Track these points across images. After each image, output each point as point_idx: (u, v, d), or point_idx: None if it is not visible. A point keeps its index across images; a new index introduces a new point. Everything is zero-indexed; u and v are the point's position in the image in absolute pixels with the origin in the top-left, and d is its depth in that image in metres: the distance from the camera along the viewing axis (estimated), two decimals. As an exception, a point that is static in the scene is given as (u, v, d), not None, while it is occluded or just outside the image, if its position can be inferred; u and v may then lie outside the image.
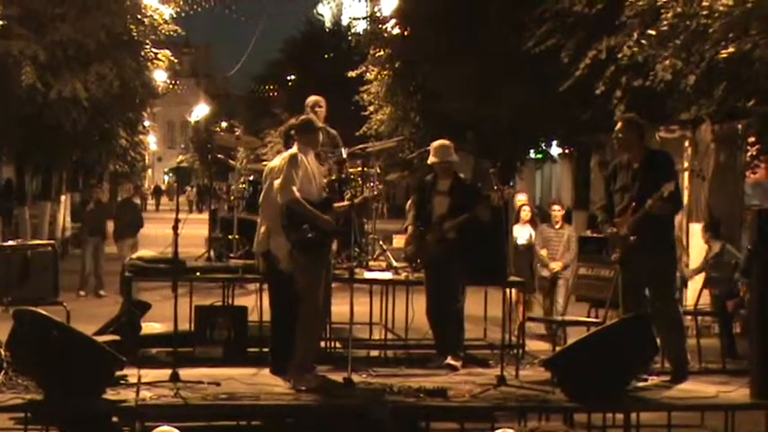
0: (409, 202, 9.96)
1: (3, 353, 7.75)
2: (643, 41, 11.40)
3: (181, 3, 19.80)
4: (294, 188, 8.02)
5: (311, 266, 8.07)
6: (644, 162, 8.40)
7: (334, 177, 9.81)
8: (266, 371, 8.48)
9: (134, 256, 9.92)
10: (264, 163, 13.63)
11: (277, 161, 8.61)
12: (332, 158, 10.11)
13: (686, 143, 15.60)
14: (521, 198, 14.41)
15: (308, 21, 44.16)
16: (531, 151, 23.78)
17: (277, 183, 8.21)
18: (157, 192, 66.47)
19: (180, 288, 8.39)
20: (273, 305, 8.71)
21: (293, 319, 8.14)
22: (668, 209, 8.29)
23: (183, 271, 9.10)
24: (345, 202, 8.50)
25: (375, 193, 9.97)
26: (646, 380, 8.30)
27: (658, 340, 8.30)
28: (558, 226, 13.16)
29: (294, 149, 8.28)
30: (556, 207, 13.57)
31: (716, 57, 10.31)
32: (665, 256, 8.41)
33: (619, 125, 8.64)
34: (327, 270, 8.24)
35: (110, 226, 18.11)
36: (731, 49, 9.99)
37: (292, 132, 8.59)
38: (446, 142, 9.38)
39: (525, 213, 13.60)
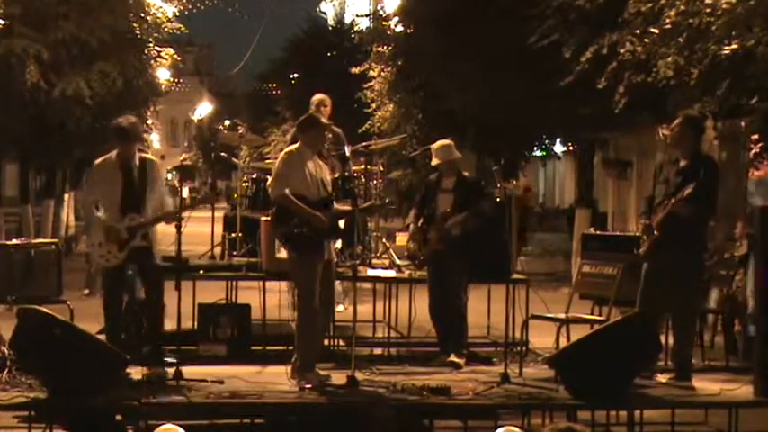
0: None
1: (7, 351, 7.77)
2: (646, 40, 11.37)
3: (184, 1, 19.77)
4: (284, 184, 8.03)
5: (304, 263, 8.04)
6: (691, 162, 8.23)
7: (337, 175, 9.83)
8: (270, 369, 8.50)
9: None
10: (268, 161, 13.65)
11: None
12: (335, 156, 10.12)
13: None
14: None
15: (310, 19, 44.15)
16: (535, 148, 23.76)
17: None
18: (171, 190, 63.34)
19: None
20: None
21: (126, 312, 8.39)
22: (689, 210, 8.06)
23: (186, 269, 9.11)
24: (349, 207, 8.40)
25: (388, 200, 9.93)
26: (650, 377, 8.29)
27: (664, 338, 8.29)
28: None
29: (292, 147, 8.31)
30: None
31: (718, 54, 10.28)
32: (687, 258, 8.24)
33: (678, 119, 8.46)
34: (327, 268, 8.18)
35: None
36: (734, 46, 9.97)
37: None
38: (446, 141, 9.36)
39: None
